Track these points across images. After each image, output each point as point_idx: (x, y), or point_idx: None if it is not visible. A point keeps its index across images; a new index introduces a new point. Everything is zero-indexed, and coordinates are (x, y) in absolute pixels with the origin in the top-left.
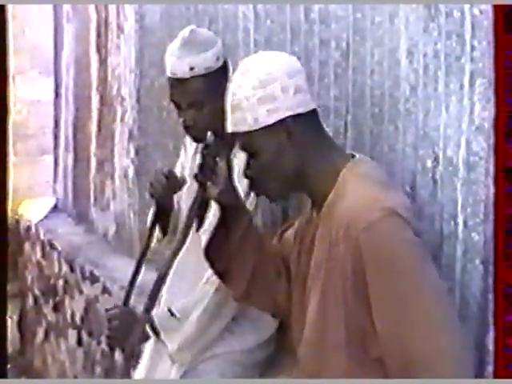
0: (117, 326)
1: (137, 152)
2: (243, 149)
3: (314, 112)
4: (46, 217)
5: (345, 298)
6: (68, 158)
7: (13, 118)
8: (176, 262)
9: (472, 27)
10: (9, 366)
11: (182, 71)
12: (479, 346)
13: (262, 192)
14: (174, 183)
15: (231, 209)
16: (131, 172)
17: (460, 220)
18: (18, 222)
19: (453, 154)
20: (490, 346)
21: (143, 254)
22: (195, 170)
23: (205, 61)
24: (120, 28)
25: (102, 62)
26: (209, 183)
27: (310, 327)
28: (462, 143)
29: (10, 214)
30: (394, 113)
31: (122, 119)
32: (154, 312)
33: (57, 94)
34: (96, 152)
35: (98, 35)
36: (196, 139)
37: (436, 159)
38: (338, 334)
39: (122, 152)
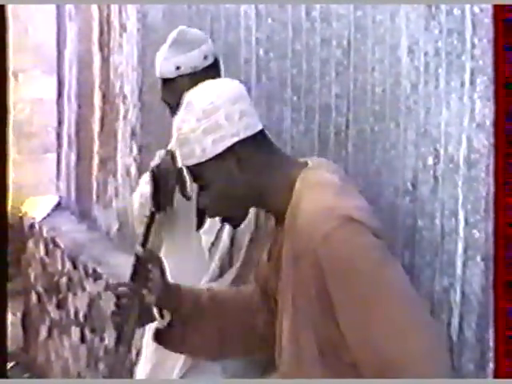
0: (125, 303)
1: (139, 150)
2: (194, 181)
3: (261, 132)
4: (49, 214)
5: (312, 311)
6: (71, 156)
7: (15, 116)
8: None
9: (472, 25)
10: (12, 363)
11: (169, 71)
12: (480, 343)
13: (221, 219)
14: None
15: (173, 307)
16: (134, 170)
17: (461, 217)
18: (21, 219)
19: (454, 151)
20: (491, 344)
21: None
22: None
23: (191, 60)
24: (122, 27)
25: (105, 60)
26: (145, 291)
27: (285, 343)
28: (462, 140)
29: (13, 211)
30: (394, 110)
31: (124, 117)
32: None
33: (59, 93)
34: (99, 150)
35: (101, 34)
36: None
37: (437, 156)
38: (310, 347)
39: (125, 150)
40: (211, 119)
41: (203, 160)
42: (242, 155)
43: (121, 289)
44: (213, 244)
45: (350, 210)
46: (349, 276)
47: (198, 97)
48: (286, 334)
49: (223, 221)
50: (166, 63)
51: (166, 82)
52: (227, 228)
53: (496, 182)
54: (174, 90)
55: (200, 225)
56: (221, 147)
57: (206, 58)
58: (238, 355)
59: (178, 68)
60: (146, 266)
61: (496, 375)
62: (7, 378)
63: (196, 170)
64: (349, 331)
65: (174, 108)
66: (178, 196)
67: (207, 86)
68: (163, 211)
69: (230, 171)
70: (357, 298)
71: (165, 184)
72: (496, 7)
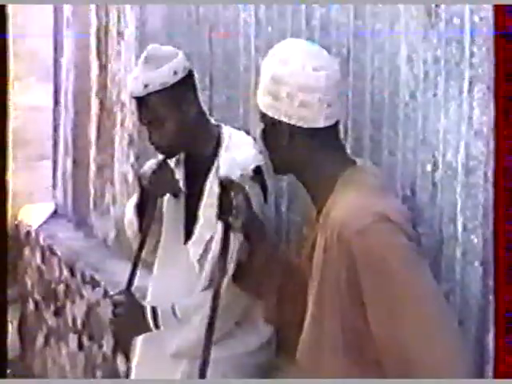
0: (121, 312)
1: (137, 157)
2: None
3: (324, 128)
4: (45, 222)
5: (340, 302)
6: (67, 163)
7: (11, 124)
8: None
9: (471, 34)
10: (8, 371)
11: (138, 90)
12: (479, 346)
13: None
14: (176, 186)
15: (255, 236)
16: (131, 177)
17: (459, 223)
18: (17, 227)
19: (452, 158)
20: (490, 346)
21: (141, 246)
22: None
23: (159, 76)
24: (120, 34)
25: (102, 67)
26: (231, 218)
27: (308, 330)
28: (461, 148)
29: (9, 219)
30: (393, 118)
31: (121, 124)
32: (153, 301)
33: (56, 100)
34: (96, 157)
35: (98, 41)
36: (165, 154)
37: (435, 163)
38: (334, 336)
39: (122, 157)
40: (275, 87)
41: (264, 112)
42: (294, 136)
43: (116, 297)
44: (202, 256)
45: (387, 210)
46: (381, 272)
47: (284, 60)
48: (309, 320)
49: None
50: (135, 82)
51: (137, 101)
52: (216, 238)
53: (494, 189)
54: (144, 108)
55: (187, 238)
56: (272, 113)
57: (175, 73)
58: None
59: (146, 86)
60: (229, 193)
61: (496, 375)
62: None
63: (262, 114)
64: (376, 326)
65: (148, 126)
66: (165, 211)
67: (296, 54)
68: (148, 227)
69: (282, 138)
70: (387, 295)
71: (150, 193)
72: (496, 17)
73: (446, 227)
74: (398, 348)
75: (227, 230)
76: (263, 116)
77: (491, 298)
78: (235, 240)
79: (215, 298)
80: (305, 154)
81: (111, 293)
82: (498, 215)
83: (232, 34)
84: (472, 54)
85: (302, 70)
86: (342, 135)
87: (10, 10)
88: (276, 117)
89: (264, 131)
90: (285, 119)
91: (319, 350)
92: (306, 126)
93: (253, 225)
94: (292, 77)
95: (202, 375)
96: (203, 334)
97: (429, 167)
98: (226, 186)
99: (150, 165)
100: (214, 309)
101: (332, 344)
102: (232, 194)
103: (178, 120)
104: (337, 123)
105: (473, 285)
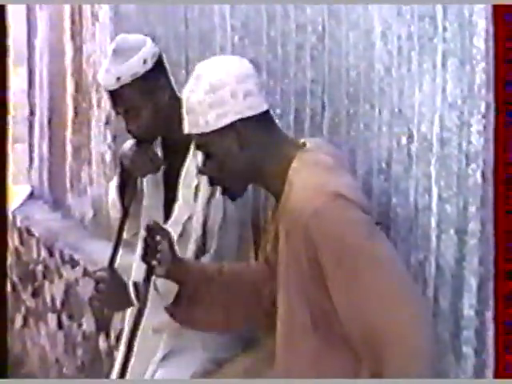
0: (104, 287)
1: (114, 137)
2: (198, 148)
3: (265, 112)
4: (22, 204)
5: (304, 283)
6: (43, 145)
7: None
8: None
9: (444, 9)
10: None
11: (110, 83)
12: (454, 314)
13: (222, 189)
14: (158, 164)
15: (181, 279)
16: (108, 157)
17: (434, 193)
18: None
19: (427, 130)
20: (490, 346)
21: (122, 223)
22: None
23: (130, 68)
24: (94, 15)
25: (77, 49)
26: (154, 263)
27: (280, 316)
28: (435, 120)
29: None
30: (369, 93)
31: (98, 105)
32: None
33: (30, 82)
34: (72, 138)
35: (73, 22)
36: (140, 141)
37: (411, 136)
38: (303, 316)
39: (99, 138)
40: (217, 94)
41: (206, 131)
42: (242, 132)
43: (99, 273)
44: (181, 235)
45: (339, 187)
46: (339, 249)
47: (207, 71)
48: (281, 305)
49: (223, 192)
50: (107, 75)
51: (110, 93)
52: (196, 218)
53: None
54: (118, 100)
55: (167, 218)
56: (223, 122)
57: (145, 62)
58: (242, 327)
59: (118, 79)
60: (155, 238)
61: (496, 375)
62: (7, 377)
63: (199, 139)
64: (339, 302)
65: (123, 116)
66: (145, 191)
67: (218, 61)
68: (128, 206)
69: (230, 146)
70: (346, 270)
71: (131, 173)
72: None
73: (421, 198)
74: (361, 320)
75: (149, 272)
76: (201, 144)
77: (490, 300)
78: None
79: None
80: (257, 148)
81: (93, 269)
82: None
83: (207, 13)
84: (444, 29)
85: (232, 65)
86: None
87: None
88: (224, 122)
89: (208, 154)
90: (237, 116)
91: (291, 332)
92: (255, 112)
93: (176, 270)
94: (228, 74)
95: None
96: None
97: (404, 140)
98: (152, 229)
99: (129, 144)
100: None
101: (302, 325)
102: (157, 238)
103: (152, 107)
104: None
105: (448, 253)
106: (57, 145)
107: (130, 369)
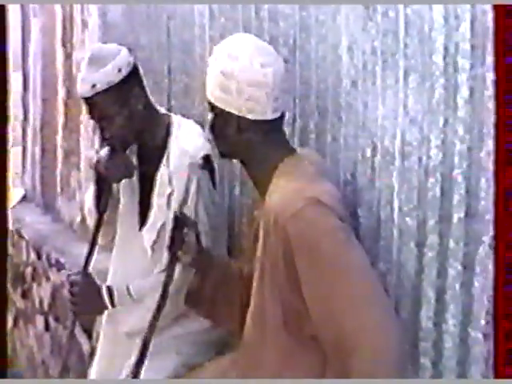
0: (77, 291)
1: (101, 143)
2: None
3: (270, 120)
4: (14, 207)
5: (278, 283)
6: (36, 149)
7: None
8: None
9: (405, 26)
10: None
11: (86, 90)
12: (414, 326)
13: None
14: (131, 169)
15: (203, 269)
16: None
17: (396, 205)
18: None
19: (389, 144)
20: (491, 347)
21: (97, 228)
22: None
23: (105, 76)
24: (84, 23)
25: (68, 56)
26: (180, 253)
27: (252, 311)
28: (397, 134)
29: None
30: (336, 106)
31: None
32: (112, 283)
33: (25, 87)
34: (62, 144)
35: (64, 30)
36: (114, 148)
37: (374, 149)
38: (275, 315)
39: (88, 143)
40: (226, 82)
41: (213, 103)
42: (242, 127)
43: (73, 277)
44: (155, 242)
45: (318, 194)
46: (314, 253)
47: (233, 54)
48: (252, 303)
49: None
50: (82, 83)
51: (87, 100)
52: (169, 225)
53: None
54: (93, 107)
55: (142, 224)
56: (224, 107)
57: (120, 70)
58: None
59: (93, 86)
60: (182, 228)
61: (496, 375)
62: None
63: (210, 107)
64: (311, 304)
65: (98, 123)
66: (121, 198)
67: (248, 51)
68: (104, 211)
69: (229, 128)
70: (320, 273)
71: (106, 179)
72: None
73: (384, 209)
74: (332, 322)
75: (175, 262)
76: (212, 106)
77: (490, 300)
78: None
79: (166, 284)
80: (250, 143)
81: (68, 273)
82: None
83: (188, 24)
84: (406, 46)
85: (251, 66)
86: (290, 122)
87: None
88: (225, 108)
89: (213, 120)
90: (234, 111)
91: (262, 328)
92: (254, 118)
93: (201, 260)
94: (241, 72)
95: (143, 354)
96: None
97: (368, 152)
98: (179, 220)
99: (104, 152)
100: (163, 295)
101: (273, 322)
102: (185, 230)
103: (126, 115)
104: (282, 115)
105: (408, 265)
106: (49, 149)
107: (102, 372)
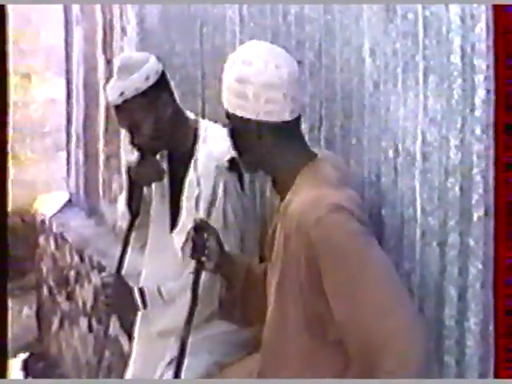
0: (110, 292)
1: None
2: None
3: (289, 122)
4: (59, 211)
5: (301, 289)
6: (79, 154)
7: (29, 116)
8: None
9: (424, 27)
10: (28, 353)
11: (114, 98)
12: (438, 323)
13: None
14: (161, 173)
15: (228, 273)
16: None
17: (418, 205)
18: (33, 216)
19: (410, 144)
20: (491, 347)
21: (130, 231)
22: None
23: (133, 83)
24: (123, 30)
25: (108, 62)
26: (203, 258)
27: (272, 315)
28: (418, 135)
29: (26, 208)
30: (360, 108)
31: None
32: (145, 285)
33: (68, 93)
34: (104, 148)
35: (104, 36)
36: (145, 154)
37: (396, 150)
38: (297, 321)
39: (128, 148)
40: (242, 88)
41: (230, 112)
42: (262, 132)
43: (106, 279)
44: (184, 244)
45: (340, 200)
46: (339, 255)
47: (247, 60)
48: (272, 306)
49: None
50: (112, 91)
51: (115, 108)
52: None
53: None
54: (122, 115)
55: (173, 228)
56: (242, 114)
57: (147, 78)
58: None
59: (121, 94)
60: (202, 235)
61: (496, 375)
62: (6, 377)
63: (227, 116)
64: (336, 306)
65: (128, 131)
66: (152, 203)
67: (260, 56)
68: (136, 215)
69: (249, 135)
70: (346, 276)
71: (137, 183)
72: (495, 10)
73: (407, 210)
74: (358, 325)
75: (199, 268)
76: (230, 115)
77: (490, 297)
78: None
79: (194, 289)
80: (272, 148)
81: (102, 275)
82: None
83: (219, 30)
84: (425, 47)
85: (265, 69)
86: (316, 125)
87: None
88: (243, 115)
89: (232, 130)
90: (252, 116)
91: (284, 333)
92: (273, 119)
93: (224, 265)
94: (256, 76)
95: (182, 355)
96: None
97: (391, 153)
98: (199, 227)
99: (135, 156)
100: (193, 298)
101: (296, 328)
102: (205, 235)
103: (154, 122)
104: (298, 118)
105: (431, 264)
106: (91, 153)
107: (137, 372)
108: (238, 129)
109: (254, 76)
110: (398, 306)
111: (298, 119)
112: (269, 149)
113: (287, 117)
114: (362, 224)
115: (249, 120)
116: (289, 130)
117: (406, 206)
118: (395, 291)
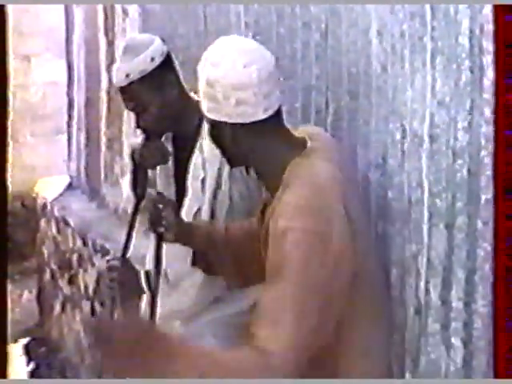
0: (116, 276)
1: None
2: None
3: (265, 121)
4: (61, 194)
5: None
6: (80, 137)
7: (29, 99)
8: None
9: (432, 9)
10: (29, 338)
11: (120, 80)
12: (444, 305)
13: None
14: (166, 156)
15: (189, 242)
16: None
17: (425, 187)
18: (34, 200)
19: (418, 126)
20: (491, 346)
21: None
22: None
23: (138, 65)
24: (125, 11)
25: (110, 44)
26: (162, 229)
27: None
28: (426, 117)
29: (27, 192)
30: (367, 89)
31: None
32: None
33: (69, 76)
34: (106, 131)
35: (106, 18)
36: (149, 136)
37: (404, 132)
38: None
39: (130, 130)
40: (211, 90)
41: (208, 116)
42: (237, 134)
43: (112, 262)
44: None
45: (317, 209)
46: (281, 256)
47: (214, 61)
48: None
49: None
50: (117, 73)
51: (120, 90)
52: (204, 210)
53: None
54: (127, 97)
55: (179, 207)
56: (215, 116)
57: (152, 59)
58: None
59: (127, 76)
60: (158, 208)
61: (496, 375)
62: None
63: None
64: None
65: (133, 112)
66: (157, 186)
67: (228, 56)
68: (141, 198)
69: (224, 137)
70: (274, 262)
71: (141, 165)
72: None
73: (414, 192)
74: (257, 313)
75: (159, 240)
76: (206, 118)
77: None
78: None
79: (157, 257)
80: (251, 149)
81: (107, 258)
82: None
83: (223, 11)
84: (433, 28)
85: (233, 69)
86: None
87: None
88: (217, 118)
89: (211, 131)
90: (225, 119)
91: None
92: (246, 121)
93: (183, 234)
94: (224, 78)
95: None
96: (193, 298)
97: (398, 135)
98: (155, 200)
99: (140, 139)
100: (157, 267)
101: None
102: (160, 207)
103: (160, 104)
104: (278, 111)
105: (439, 246)
106: (93, 136)
107: None
108: (214, 130)
109: (222, 78)
110: (300, 318)
111: (277, 112)
112: (248, 150)
113: (261, 115)
114: (325, 237)
115: (223, 123)
116: (267, 128)
117: (413, 188)
118: (309, 305)
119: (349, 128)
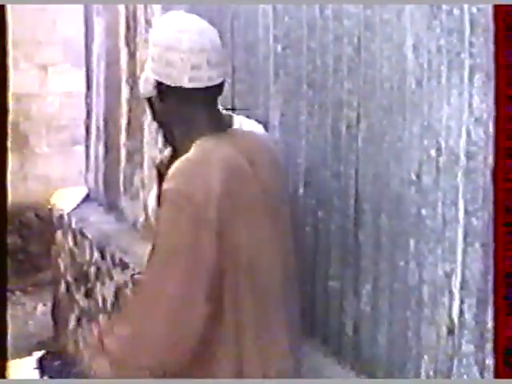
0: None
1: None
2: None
3: (191, 91)
4: (77, 206)
5: None
6: (99, 148)
7: (45, 109)
8: None
9: (471, 24)
10: (44, 351)
11: (148, 91)
12: (478, 325)
13: None
14: None
15: None
16: None
17: (461, 206)
18: (50, 211)
19: (454, 143)
20: (491, 346)
21: None
22: None
23: None
24: (148, 22)
25: (131, 55)
26: None
27: None
28: (462, 134)
29: (42, 203)
30: (401, 105)
31: None
32: None
33: (88, 86)
34: (126, 142)
35: (127, 29)
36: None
37: (439, 149)
38: None
39: (151, 142)
40: (152, 49)
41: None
42: (162, 93)
43: (136, 276)
44: None
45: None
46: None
47: (156, 26)
48: None
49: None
50: (144, 84)
51: (149, 101)
52: None
53: (494, 173)
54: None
55: None
56: (150, 74)
57: None
58: None
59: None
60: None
61: (496, 375)
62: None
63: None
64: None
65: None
66: None
67: (166, 19)
68: None
69: (155, 98)
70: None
71: None
72: (496, 7)
73: (449, 210)
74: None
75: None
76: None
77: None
78: None
79: None
80: (173, 110)
81: (132, 272)
82: (498, 199)
83: (252, 24)
84: (471, 44)
85: (168, 32)
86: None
87: None
88: (151, 76)
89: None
90: (156, 77)
91: None
92: (171, 84)
93: None
94: (160, 38)
95: None
96: None
97: (433, 152)
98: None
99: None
100: None
101: None
102: None
103: None
104: (211, 90)
105: (473, 265)
106: (112, 148)
107: None
108: (149, 85)
109: (158, 37)
110: (158, 309)
111: (212, 91)
112: (167, 111)
113: (186, 83)
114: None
115: (156, 81)
116: (194, 99)
117: (447, 205)
118: (161, 278)
119: (381, 144)
